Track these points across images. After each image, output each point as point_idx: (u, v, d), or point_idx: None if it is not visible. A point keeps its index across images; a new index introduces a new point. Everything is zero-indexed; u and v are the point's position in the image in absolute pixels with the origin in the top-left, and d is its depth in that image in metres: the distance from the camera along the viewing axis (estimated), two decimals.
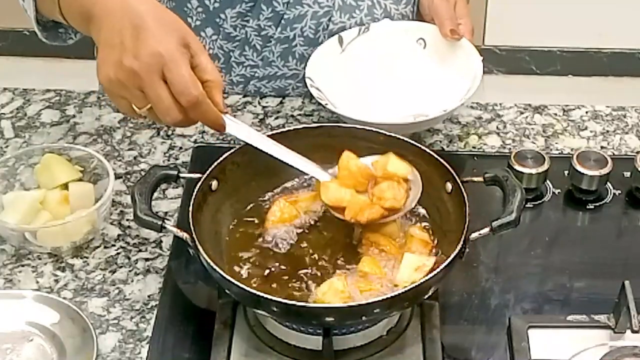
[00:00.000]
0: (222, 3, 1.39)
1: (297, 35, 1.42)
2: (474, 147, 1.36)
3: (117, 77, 1.03)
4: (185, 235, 1.04)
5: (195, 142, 1.36)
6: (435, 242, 1.09)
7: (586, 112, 1.43)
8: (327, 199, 1.08)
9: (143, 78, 1.02)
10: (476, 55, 1.35)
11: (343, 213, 1.07)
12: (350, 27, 1.41)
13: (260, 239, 1.10)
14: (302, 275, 1.06)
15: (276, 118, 1.41)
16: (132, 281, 1.16)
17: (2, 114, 1.42)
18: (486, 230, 1.03)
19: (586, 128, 1.40)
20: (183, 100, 1.03)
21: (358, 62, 1.39)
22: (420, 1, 1.46)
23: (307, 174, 1.13)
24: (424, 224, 1.11)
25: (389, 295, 0.97)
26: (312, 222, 1.12)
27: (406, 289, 0.98)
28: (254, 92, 1.46)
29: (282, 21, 1.40)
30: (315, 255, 1.08)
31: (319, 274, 1.06)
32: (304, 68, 1.39)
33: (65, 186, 1.21)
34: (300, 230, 1.11)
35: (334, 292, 1.01)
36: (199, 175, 1.10)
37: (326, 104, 1.29)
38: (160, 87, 1.02)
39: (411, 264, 1.04)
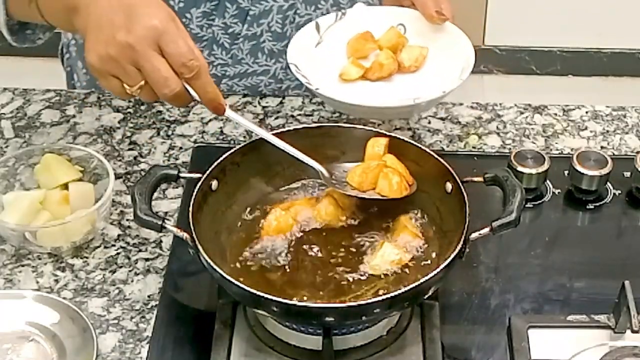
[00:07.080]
0: (187, 3, 1.38)
1: (264, 31, 1.41)
2: (474, 147, 1.36)
3: (109, 53, 1.00)
4: (185, 235, 1.04)
5: (195, 142, 1.36)
6: (429, 234, 1.09)
7: (586, 112, 1.43)
8: None
9: (138, 50, 1.00)
10: (461, 34, 1.31)
11: None
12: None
13: (260, 239, 1.10)
14: (302, 275, 1.06)
15: (276, 118, 1.41)
16: (132, 281, 1.16)
17: (2, 114, 1.42)
18: (486, 230, 1.03)
19: (586, 128, 1.40)
20: (185, 70, 1.01)
21: (337, 49, 1.34)
22: None
23: (305, 163, 1.12)
24: (417, 219, 1.11)
25: (389, 296, 0.97)
26: (311, 223, 1.12)
27: (406, 289, 0.98)
28: (227, 91, 1.45)
29: (248, 17, 1.40)
30: (314, 255, 1.08)
31: (318, 272, 1.06)
32: (275, 63, 1.38)
33: (65, 186, 1.21)
34: (300, 231, 1.11)
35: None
36: (199, 175, 1.10)
37: (317, 89, 1.24)
38: (157, 58, 1.00)
39: (387, 255, 1.05)
